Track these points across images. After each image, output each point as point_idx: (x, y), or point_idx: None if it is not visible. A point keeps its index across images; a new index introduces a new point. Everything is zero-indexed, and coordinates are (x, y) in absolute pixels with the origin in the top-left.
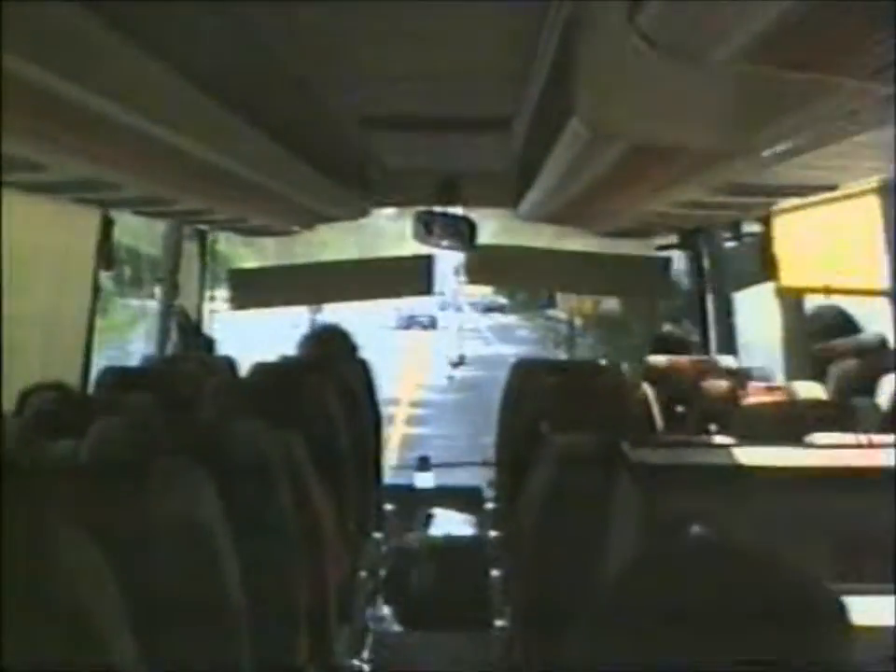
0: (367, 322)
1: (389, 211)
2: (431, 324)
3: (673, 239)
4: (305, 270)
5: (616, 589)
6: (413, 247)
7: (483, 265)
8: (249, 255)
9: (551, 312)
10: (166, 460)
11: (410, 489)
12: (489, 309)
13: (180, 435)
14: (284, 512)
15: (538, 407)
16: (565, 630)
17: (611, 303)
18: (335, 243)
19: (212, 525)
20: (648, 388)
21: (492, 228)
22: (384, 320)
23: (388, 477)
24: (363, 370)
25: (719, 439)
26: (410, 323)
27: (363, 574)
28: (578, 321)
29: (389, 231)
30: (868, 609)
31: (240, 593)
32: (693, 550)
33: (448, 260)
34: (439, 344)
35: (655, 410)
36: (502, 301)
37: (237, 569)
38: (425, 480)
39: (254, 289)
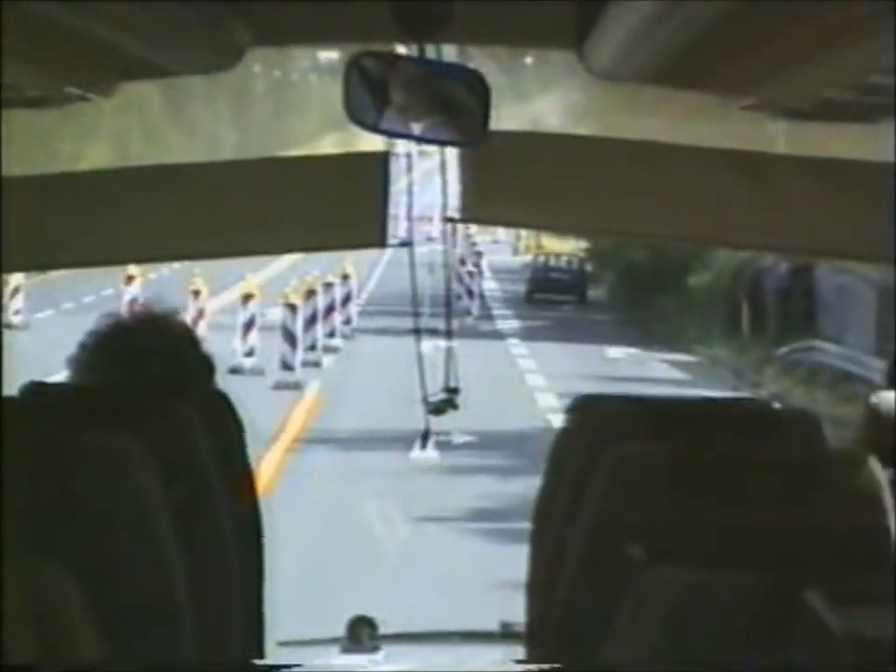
0: None
1: (326, 57)
2: None
3: None
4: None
5: None
6: (341, 135)
7: (502, 181)
8: None
9: None
10: None
11: None
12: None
13: None
14: None
15: (620, 504)
16: None
17: None
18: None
19: None
20: (877, 466)
21: (526, 96)
22: None
23: (280, 662)
24: (226, 418)
25: None
26: None
27: None
28: None
29: (291, 97)
30: None
31: None
32: None
33: (428, 166)
34: None
35: (892, 512)
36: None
37: None
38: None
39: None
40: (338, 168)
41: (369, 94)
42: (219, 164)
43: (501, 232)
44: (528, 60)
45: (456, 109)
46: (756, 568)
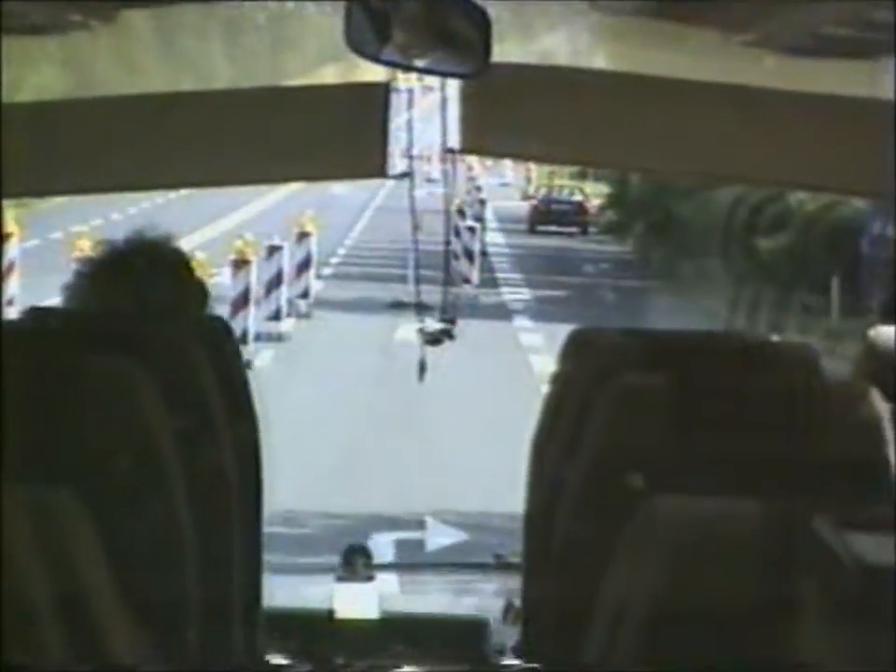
0: None
1: None
2: None
3: None
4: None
5: None
6: (342, 67)
7: (503, 113)
8: None
9: None
10: None
11: (325, 619)
12: None
13: None
14: None
15: (620, 435)
16: None
17: None
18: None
19: None
20: (877, 398)
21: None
22: None
23: (276, 590)
24: (224, 343)
25: None
26: None
27: None
28: None
29: (295, 30)
30: None
31: None
32: None
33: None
34: None
35: (893, 443)
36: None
37: None
38: (357, 600)
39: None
40: (339, 98)
41: (370, 27)
42: (219, 93)
43: (510, 174)
44: None
45: (458, 42)
46: (759, 497)
